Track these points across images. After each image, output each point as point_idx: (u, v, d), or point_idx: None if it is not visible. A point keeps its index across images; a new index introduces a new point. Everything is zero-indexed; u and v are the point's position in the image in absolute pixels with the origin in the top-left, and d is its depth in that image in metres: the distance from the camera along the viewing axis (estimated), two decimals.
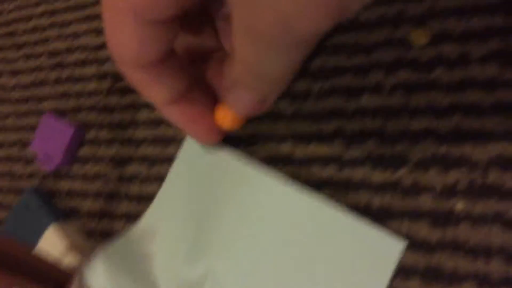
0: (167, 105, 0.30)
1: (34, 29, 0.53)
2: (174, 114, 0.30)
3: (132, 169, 0.41)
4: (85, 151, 0.44)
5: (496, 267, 0.26)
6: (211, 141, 0.33)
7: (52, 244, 0.40)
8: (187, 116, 0.31)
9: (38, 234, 0.41)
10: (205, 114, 0.31)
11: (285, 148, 0.34)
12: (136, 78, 0.27)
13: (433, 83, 0.30)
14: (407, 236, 0.28)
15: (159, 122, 0.40)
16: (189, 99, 0.30)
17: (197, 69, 0.32)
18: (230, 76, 0.26)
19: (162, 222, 0.37)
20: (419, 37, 0.31)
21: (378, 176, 0.30)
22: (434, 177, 0.29)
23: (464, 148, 0.28)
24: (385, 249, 0.28)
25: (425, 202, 0.28)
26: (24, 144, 0.49)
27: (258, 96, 0.26)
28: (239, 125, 0.31)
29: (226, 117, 0.30)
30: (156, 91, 0.28)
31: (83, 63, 0.47)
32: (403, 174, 0.29)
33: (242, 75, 0.24)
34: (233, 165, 0.34)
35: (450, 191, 0.28)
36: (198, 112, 0.31)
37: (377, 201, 0.30)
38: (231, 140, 0.36)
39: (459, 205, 0.27)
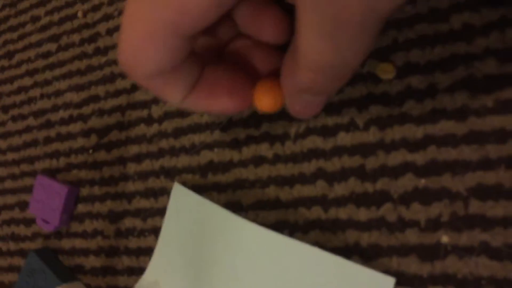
0: (185, 98, 0.28)
1: (19, 90, 0.52)
2: (194, 102, 0.29)
3: (127, 223, 0.40)
4: (81, 208, 0.44)
5: None
6: (239, 108, 0.29)
7: None
8: (205, 98, 0.28)
9: None
10: (220, 87, 0.29)
11: (270, 192, 0.33)
12: (152, 85, 0.26)
13: (405, 116, 0.29)
14: (397, 272, 0.28)
15: (147, 174, 0.40)
16: (202, 82, 0.28)
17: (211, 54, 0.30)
18: (295, 82, 0.24)
19: (164, 275, 0.36)
20: (385, 71, 0.30)
21: (363, 213, 0.30)
22: (417, 211, 0.28)
23: (443, 180, 0.27)
24: (376, 287, 0.28)
25: (411, 237, 0.28)
26: (23, 206, 0.48)
27: (327, 96, 0.25)
28: (281, 106, 0.28)
29: (268, 101, 0.27)
30: (173, 92, 0.27)
31: (68, 121, 0.47)
32: (387, 210, 0.29)
33: (313, 80, 0.23)
34: (218, 215, 0.34)
35: (434, 224, 0.27)
36: (213, 90, 0.28)
37: (365, 239, 0.29)
38: (218, 186, 0.36)
39: (445, 238, 0.27)
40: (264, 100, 0.28)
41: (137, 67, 0.24)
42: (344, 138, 0.31)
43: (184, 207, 0.36)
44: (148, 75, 0.25)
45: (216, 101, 0.28)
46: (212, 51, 0.30)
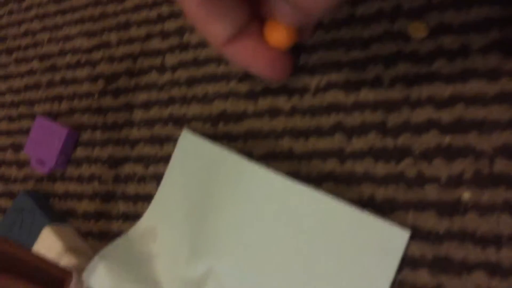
0: (229, 42, 0.26)
1: (26, 34, 0.50)
2: (236, 51, 0.27)
3: (128, 169, 0.38)
4: (79, 153, 0.41)
5: (506, 255, 0.24)
6: (277, 76, 0.27)
7: (48, 245, 0.37)
8: (249, 52, 0.26)
9: (33, 236, 0.38)
10: (267, 48, 0.27)
11: (284, 143, 0.32)
12: (197, 13, 0.24)
13: (434, 75, 0.28)
14: (413, 227, 0.26)
15: (154, 121, 0.38)
16: (249, 34, 0.26)
17: (252, 4, 0.29)
18: None
19: (162, 221, 0.34)
20: (417, 30, 0.29)
21: (381, 168, 0.28)
22: (438, 168, 0.27)
23: (469, 138, 0.26)
24: (390, 240, 0.26)
25: (431, 193, 0.26)
26: (17, 148, 0.46)
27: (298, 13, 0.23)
28: (291, 42, 0.26)
29: (276, 32, 0.26)
30: (217, 26, 0.25)
31: (75, 66, 0.44)
32: (407, 166, 0.27)
33: None
34: (230, 160, 0.32)
35: (456, 181, 0.26)
36: (260, 46, 0.27)
37: (381, 193, 0.28)
38: (229, 136, 0.34)
39: (466, 195, 0.26)
40: (274, 35, 0.26)
41: None
42: (367, 94, 0.30)
43: (191, 153, 0.34)
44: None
45: (259, 62, 0.27)
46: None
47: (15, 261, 0.29)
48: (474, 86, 0.27)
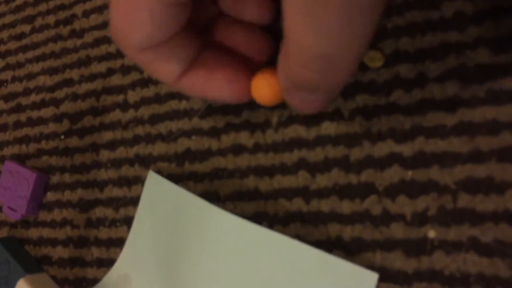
0: (179, 79, 0.26)
1: None
2: (190, 83, 0.26)
3: (99, 212, 0.37)
4: (50, 197, 0.40)
5: None
6: (237, 97, 0.27)
7: None
8: (203, 81, 0.26)
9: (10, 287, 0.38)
10: (221, 71, 0.26)
11: (249, 182, 0.31)
12: (144, 59, 0.24)
13: (393, 106, 0.27)
14: (381, 268, 0.26)
15: (121, 162, 0.37)
16: (200, 63, 0.26)
17: (200, 35, 0.28)
18: (288, 77, 0.21)
19: (135, 268, 0.34)
20: (373, 59, 0.28)
21: (347, 206, 0.27)
22: (403, 205, 0.26)
23: (431, 172, 0.25)
24: (358, 283, 0.26)
25: (397, 231, 0.26)
26: None
27: (327, 94, 0.22)
28: (280, 100, 0.26)
29: (266, 92, 0.25)
30: (165, 68, 0.25)
31: (40, 105, 0.43)
32: (372, 203, 0.27)
33: (304, 75, 0.20)
34: (196, 205, 0.31)
35: (421, 219, 0.25)
36: (213, 73, 0.26)
37: (348, 233, 0.27)
38: (195, 175, 0.33)
39: (432, 233, 0.25)
40: (262, 92, 0.26)
41: (127, 38, 0.23)
42: (328, 128, 0.29)
43: (159, 196, 0.33)
44: (139, 47, 0.23)
45: (213, 86, 0.26)
46: (198, 27, 0.28)
47: None
48: (432, 118, 0.26)
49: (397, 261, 0.25)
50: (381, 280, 0.25)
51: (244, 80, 0.26)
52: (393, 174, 0.26)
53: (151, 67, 0.25)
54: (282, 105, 0.31)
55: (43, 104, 0.43)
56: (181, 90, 0.27)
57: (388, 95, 0.27)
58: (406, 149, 0.26)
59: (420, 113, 0.26)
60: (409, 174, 0.26)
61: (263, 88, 0.25)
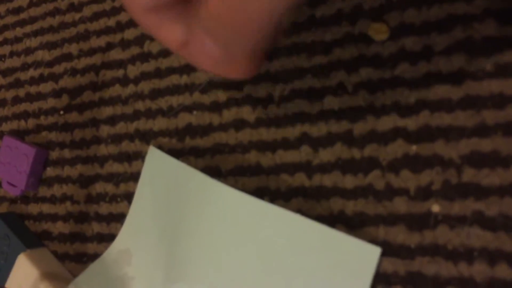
0: (185, 46, 0.25)
1: None
2: (195, 54, 0.26)
3: (99, 188, 0.37)
4: (49, 172, 0.40)
5: (479, 269, 0.23)
6: (242, 73, 0.26)
7: (24, 273, 0.37)
8: (208, 52, 0.26)
9: (10, 263, 0.38)
10: None
11: (251, 157, 0.31)
12: (150, 21, 0.24)
13: (398, 79, 0.27)
14: (384, 242, 0.26)
15: (121, 137, 0.37)
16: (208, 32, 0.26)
17: None
18: (198, 16, 0.21)
19: (136, 243, 0.34)
20: (378, 32, 0.27)
21: (349, 181, 0.27)
22: (407, 179, 0.26)
23: (435, 147, 0.25)
24: (361, 257, 0.25)
25: (400, 206, 0.26)
26: None
27: (227, 49, 0.21)
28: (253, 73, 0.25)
29: None
30: (171, 33, 0.24)
31: (38, 80, 0.43)
32: (375, 178, 0.27)
33: (210, 17, 0.20)
34: (197, 180, 0.31)
35: (425, 193, 0.25)
36: None
37: (351, 207, 0.27)
38: (196, 151, 0.33)
39: (436, 207, 0.25)
40: None
41: (130, 1, 0.22)
42: (331, 102, 0.28)
43: (160, 171, 0.33)
44: (145, 7, 0.23)
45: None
46: None
47: None
48: (438, 91, 0.25)
49: (400, 235, 0.25)
50: (384, 254, 0.25)
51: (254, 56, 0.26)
52: (397, 148, 0.26)
53: (157, 31, 0.25)
54: (284, 80, 0.30)
55: (41, 79, 0.43)
56: (186, 58, 0.26)
57: (393, 69, 0.27)
58: (411, 123, 0.26)
59: (425, 86, 0.26)
60: (413, 148, 0.26)
61: None
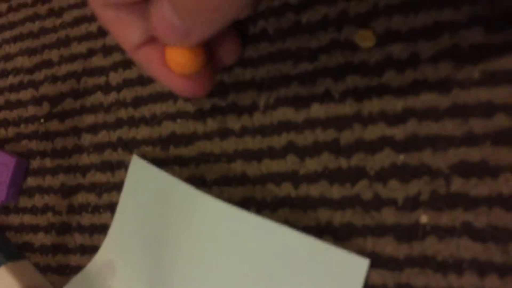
0: (136, 49, 0.25)
1: None
2: (144, 58, 0.25)
3: (81, 198, 0.36)
4: (30, 182, 0.39)
5: (469, 281, 0.23)
6: (192, 92, 0.26)
7: (6, 285, 0.36)
8: (156, 62, 0.25)
9: None
10: None
11: (237, 167, 0.30)
12: (108, 16, 0.24)
13: (384, 87, 0.26)
14: (372, 254, 0.25)
15: (103, 146, 0.36)
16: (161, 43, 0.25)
17: None
18: None
19: (119, 255, 0.33)
20: (365, 39, 0.27)
21: (337, 191, 0.27)
22: (394, 189, 0.25)
23: (423, 156, 0.25)
24: (349, 269, 0.25)
25: (388, 216, 0.25)
26: None
27: (189, 29, 0.21)
28: (197, 66, 0.24)
29: (176, 55, 0.23)
30: (125, 33, 0.24)
31: (18, 87, 0.42)
32: (362, 188, 0.26)
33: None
34: (181, 190, 0.30)
35: (412, 203, 0.25)
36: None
37: (338, 218, 0.26)
38: (180, 160, 0.32)
39: (424, 218, 0.24)
40: (175, 59, 0.24)
41: None
42: (318, 110, 0.28)
43: (143, 181, 0.32)
44: (104, 2, 0.22)
45: (166, 71, 0.25)
46: None
47: None
48: (425, 99, 0.25)
49: (389, 246, 0.25)
50: (372, 266, 0.25)
51: (205, 75, 0.25)
52: (385, 158, 0.26)
53: (113, 28, 0.25)
54: (269, 87, 0.30)
55: (21, 86, 0.42)
56: (137, 61, 0.26)
57: (379, 76, 0.26)
58: (398, 132, 0.25)
59: (412, 94, 0.25)
60: (401, 157, 0.25)
61: (176, 55, 0.24)
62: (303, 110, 0.28)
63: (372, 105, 0.26)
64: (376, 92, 0.26)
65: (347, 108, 0.27)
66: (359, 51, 0.27)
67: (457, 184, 0.24)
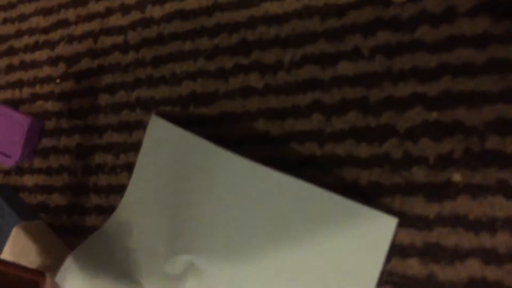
0: None
1: None
2: None
3: (98, 159, 0.35)
4: (45, 143, 0.38)
5: (502, 240, 0.22)
6: None
7: (19, 246, 0.35)
8: None
9: (4, 236, 0.36)
10: None
11: (259, 126, 0.29)
12: None
13: (417, 43, 0.25)
14: (401, 213, 0.24)
15: (121, 106, 0.35)
16: None
17: None
18: None
19: (137, 215, 0.32)
20: None
21: (364, 150, 0.26)
22: (426, 147, 0.24)
23: (457, 113, 0.24)
24: (377, 228, 0.24)
25: (418, 175, 0.24)
26: None
27: None
28: None
29: None
30: None
31: (33, 48, 0.41)
32: (392, 146, 0.25)
33: None
34: (202, 148, 0.29)
35: (445, 161, 0.24)
36: None
37: (365, 177, 0.26)
38: (201, 119, 0.31)
39: (456, 176, 0.23)
40: None
41: None
42: (345, 68, 0.27)
43: (162, 140, 0.31)
44: None
45: None
46: None
47: None
48: (461, 55, 0.24)
49: (418, 205, 0.24)
50: (400, 225, 0.24)
51: None
52: (416, 115, 0.25)
53: None
54: (295, 45, 0.29)
55: (37, 46, 0.41)
56: None
57: (412, 32, 0.25)
58: (431, 88, 0.24)
59: (447, 50, 0.24)
60: (434, 115, 0.24)
61: None
62: (330, 67, 0.27)
63: (404, 62, 0.25)
64: (408, 48, 0.25)
65: (377, 65, 0.26)
66: (391, 6, 0.26)
67: (492, 142, 0.23)
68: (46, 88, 0.39)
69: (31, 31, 0.41)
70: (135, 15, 0.35)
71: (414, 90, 0.25)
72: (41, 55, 0.40)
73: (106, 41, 0.37)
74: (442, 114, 0.24)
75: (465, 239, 0.23)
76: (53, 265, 0.33)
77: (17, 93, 0.41)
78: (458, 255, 0.23)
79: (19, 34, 0.42)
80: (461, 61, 0.24)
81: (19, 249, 0.34)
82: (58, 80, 0.39)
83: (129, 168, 0.33)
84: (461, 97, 0.24)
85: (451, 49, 0.24)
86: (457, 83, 0.24)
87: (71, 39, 0.39)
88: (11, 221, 0.36)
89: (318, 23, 0.28)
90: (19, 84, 0.41)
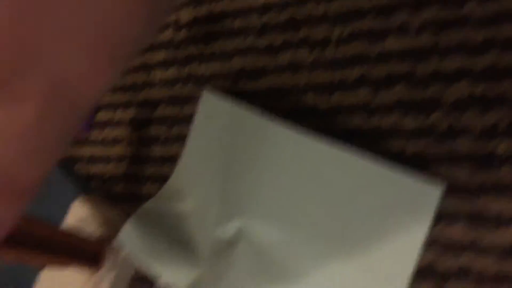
0: None
1: None
2: None
3: (152, 131, 0.37)
4: (101, 116, 0.41)
5: None
6: None
7: (79, 218, 0.37)
8: None
9: (64, 208, 0.39)
10: None
11: (307, 99, 0.30)
12: None
13: (465, 18, 0.26)
14: (446, 182, 0.25)
15: (174, 81, 0.37)
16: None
17: None
18: None
19: (189, 183, 0.34)
20: None
21: (410, 121, 0.27)
22: (471, 119, 0.25)
23: (503, 86, 0.24)
24: (422, 195, 0.25)
25: (464, 145, 0.25)
26: None
27: None
28: None
29: None
30: None
31: None
32: (438, 118, 0.26)
33: None
34: (254, 121, 0.31)
35: (490, 133, 0.25)
36: None
37: (411, 147, 0.27)
38: (250, 94, 0.33)
39: (502, 147, 0.24)
40: None
41: None
42: (392, 43, 0.28)
43: (214, 114, 0.33)
44: None
45: None
46: None
47: (43, 240, 0.29)
48: (509, 30, 0.25)
49: (463, 175, 0.25)
50: (445, 192, 0.25)
51: None
52: (462, 88, 0.25)
53: None
54: (342, 21, 0.30)
55: None
56: None
57: (460, 8, 0.26)
58: (477, 62, 0.25)
59: (494, 25, 0.25)
60: (480, 88, 0.25)
61: None
62: (377, 43, 0.28)
63: (451, 37, 0.26)
64: (456, 24, 0.26)
65: (424, 40, 0.27)
66: None
67: None
68: None
69: None
70: None
71: (461, 64, 0.26)
72: None
73: None
74: (488, 87, 0.25)
75: (509, 208, 0.24)
76: (111, 234, 0.35)
77: None
78: (502, 221, 0.24)
79: None
80: (509, 35, 0.24)
81: (79, 220, 0.37)
82: None
83: (182, 139, 0.35)
84: (507, 70, 0.24)
85: (499, 24, 0.25)
86: (504, 57, 0.25)
87: None
88: (70, 194, 0.39)
89: (366, 0, 0.29)
90: None
